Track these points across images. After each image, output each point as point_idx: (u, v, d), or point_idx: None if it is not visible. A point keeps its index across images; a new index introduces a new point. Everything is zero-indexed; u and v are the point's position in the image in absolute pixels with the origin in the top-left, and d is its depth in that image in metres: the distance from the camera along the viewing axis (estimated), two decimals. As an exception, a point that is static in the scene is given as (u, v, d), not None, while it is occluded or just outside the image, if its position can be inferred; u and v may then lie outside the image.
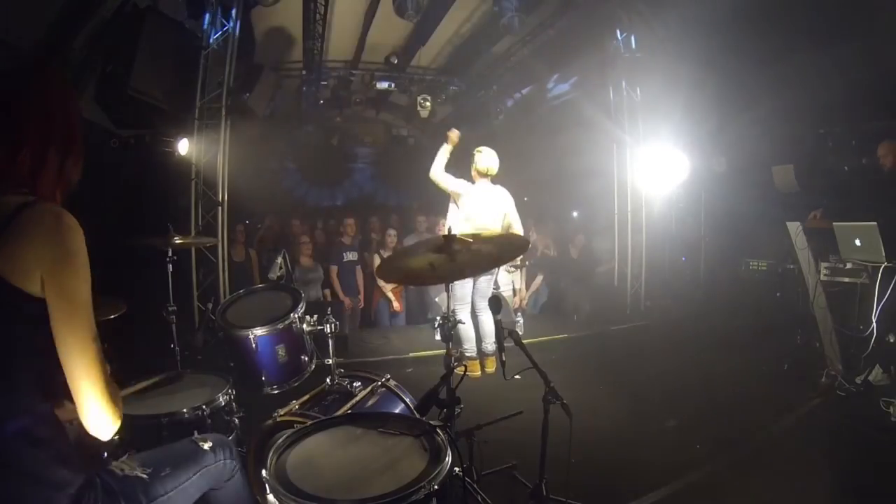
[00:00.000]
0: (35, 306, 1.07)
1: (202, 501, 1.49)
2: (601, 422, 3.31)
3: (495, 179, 4.27)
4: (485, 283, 4.24)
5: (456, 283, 4.03)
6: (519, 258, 4.67)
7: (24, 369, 1.09)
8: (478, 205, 4.12)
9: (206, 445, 1.50)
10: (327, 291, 5.76)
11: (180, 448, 1.49)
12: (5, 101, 1.14)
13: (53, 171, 1.17)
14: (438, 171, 4.18)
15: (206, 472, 1.46)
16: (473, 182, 4.22)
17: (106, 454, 1.76)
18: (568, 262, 6.68)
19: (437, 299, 5.75)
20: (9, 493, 1.07)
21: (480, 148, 4.23)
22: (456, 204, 4.21)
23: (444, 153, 4.20)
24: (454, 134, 4.24)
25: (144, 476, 1.29)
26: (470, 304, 4.21)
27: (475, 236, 2.03)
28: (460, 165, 4.30)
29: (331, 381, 2.25)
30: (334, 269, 5.80)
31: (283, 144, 9.28)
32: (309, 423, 1.66)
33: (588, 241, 6.90)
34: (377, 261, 5.87)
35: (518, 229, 4.27)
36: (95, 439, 1.17)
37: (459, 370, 1.95)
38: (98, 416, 1.13)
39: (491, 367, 4.25)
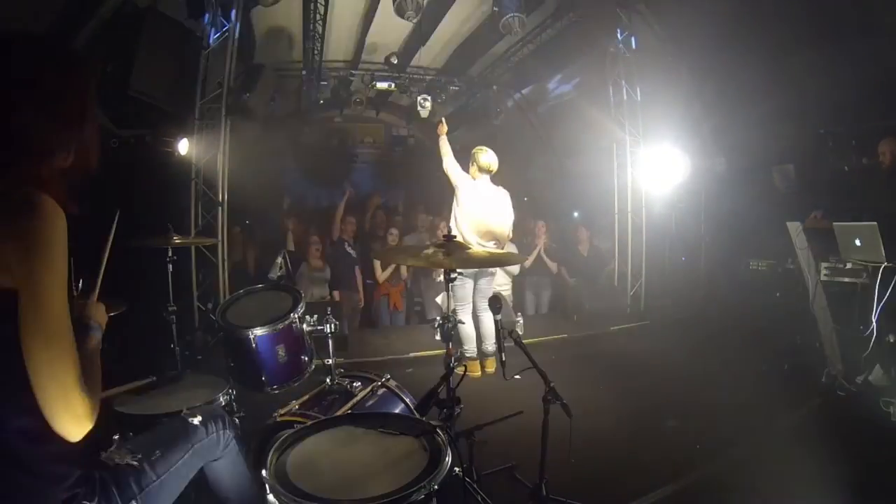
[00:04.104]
0: (13, 300, 1.02)
1: (201, 474, 1.49)
2: (601, 422, 3.30)
3: (496, 180, 4.28)
4: (485, 283, 4.25)
5: (456, 283, 4.05)
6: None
7: (14, 365, 1.05)
8: (480, 202, 4.13)
9: (196, 420, 1.50)
10: (336, 293, 5.77)
11: (170, 427, 1.49)
12: None
13: (33, 148, 1.08)
14: (449, 163, 4.22)
15: (198, 447, 1.46)
16: (473, 179, 4.23)
17: (104, 452, 1.75)
18: (577, 259, 6.67)
19: (437, 299, 5.75)
20: (6, 487, 1.06)
21: (481, 147, 4.25)
22: (456, 198, 4.22)
23: (444, 144, 4.27)
24: (442, 126, 4.39)
25: (135, 463, 1.29)
26: (471, 304, 4.22)
27: (477, 253, 2.05)
28: (461, 164, 4.31)
29: (331, 381, 2.25)
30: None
31: (283, 144, 9.28)
32: (309, 423, 1.66)
33: (591, 239, 6.90)
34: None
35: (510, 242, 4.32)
36: (96, 436, 1.16)
37: (459, 370, 1.95)
38: (59, 417, 1.03)
39: (491, 367, 4.25)
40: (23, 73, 1.09)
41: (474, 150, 4.25)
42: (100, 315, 1.29)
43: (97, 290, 1.31)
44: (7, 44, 1.10)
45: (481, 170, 4.19)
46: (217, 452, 1.54)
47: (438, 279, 5.76)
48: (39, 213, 1.03)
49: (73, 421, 1.04)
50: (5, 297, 1.02)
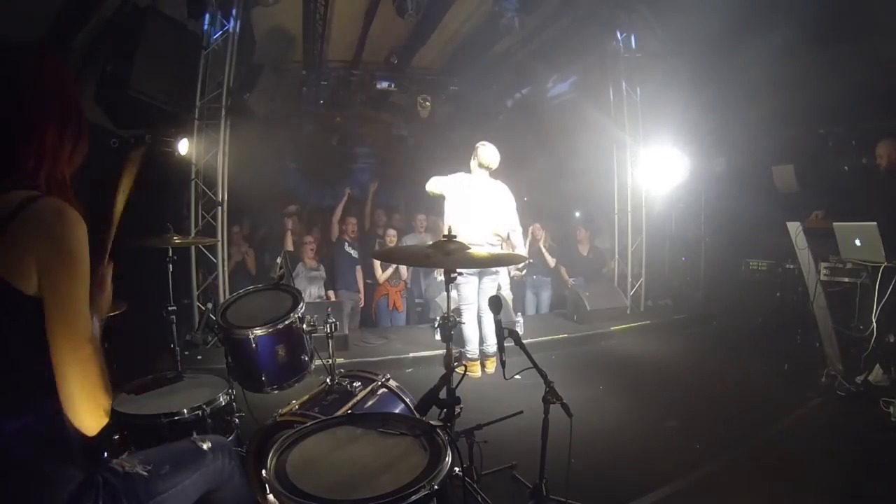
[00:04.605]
0: (33, 304, 1.06)
1: (201, 503, 1.49)
2: (601, 422, 3.31)
3: (495, 176, 4.28)
4: (488, 283, 4.24)
5: (460, 282, 4.06)
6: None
7: (25, 367, 1.08)
8: (478, 198, 4.12)
9: (206, 446, 1.50)
10: (331, 292, 5.77)
11: (180, 447, 1.49)
12: (9, 85, 1.10)
13: (59, 159, 1.15)
14: (430, 184, 4.23)
15: (205, 472, 1.46)
16: (470, 172, 4.24)
17: (106, 454, 1.75)
18: (577, 259, 6.68)
19: (437, 299, 5.75)
20: (10, 489, 1.07)
21: (484, 142, 4.25)
22: (448, 202, 4.21)
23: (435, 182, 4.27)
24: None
25: (145, 473, 1.29)
26: (476, 304, 4.20)
27: (477, 253, 2.05)
28: (460, 164, 4.32)
29: (331, 381, 2.24)
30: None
31: (283, 144, 9.28)
32: (309, 423, 1.66)
33: (591, 239, 6.89)
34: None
35: (516, 231, 4.28)
36: (97, 437, 1.16)
37: (459, 370, 1.95)
38: (83, 414, 1.10)
39: (491, 367, 4.25)
40: (28, 80, 1.13)
41: (477, 144, 4.25)
42: (100, 303, 1.29)
43: (107, 255, 1.31)
44: (9, 54, 1.14)
45: (481, 165, 4.18)
46: (221, 482, 1.55)
47: (439, 279, 5.76)
48: (66, 223, 1.07)
49: (94, 416, 1.11)
50: (22, 303, 1.05)
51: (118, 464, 1.30)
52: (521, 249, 4.39)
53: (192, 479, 1.41)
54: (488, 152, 4.18)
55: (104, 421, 1.14)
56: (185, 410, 2.04)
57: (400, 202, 8.35)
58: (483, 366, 4.28)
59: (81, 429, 1.12)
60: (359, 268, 5.96)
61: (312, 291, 5.56)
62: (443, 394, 1.87)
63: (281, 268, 2.54)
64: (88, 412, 1.10)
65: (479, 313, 4.21)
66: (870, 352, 3.51)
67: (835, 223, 3.74)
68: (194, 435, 1.60)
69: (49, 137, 1.13)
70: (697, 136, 5.92)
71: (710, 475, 2.68)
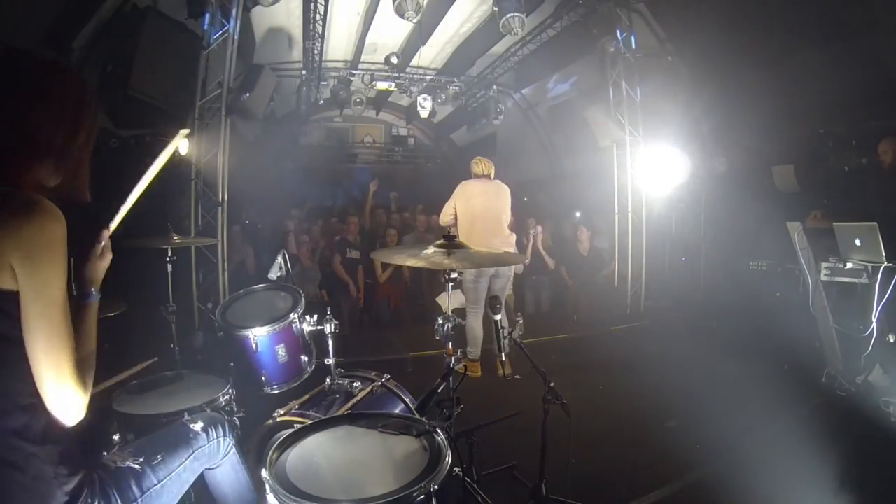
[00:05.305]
0: (12, 300, 1.05)
1: (200, 480, 1.49)
2: (601, 422, 3.30)
3: (495, 177, 4.32)
4: (500, 286, 4.21)
5: (469, 285, 4.07)
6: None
7: (14, 365, 1.07)
8: (476, 195, 4.17)
9: (198, 427, 1.51)
10: (324, 292, 5.76)
11: (172, 433, 1.50)
12: (11, 89, 1.10)
13: (49, 158, 1.14)
14: (442, 216, 4.34)
15: (199, 453, 1.47)
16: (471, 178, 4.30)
17: (105, 454, 1.75)
18: (577, 259, 6.68)
19: (437, 299, 5.74)
20: (6, 489, 1.06)
21: (476, 158, 4.39)
22: (458, 206, 4.24)
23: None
24: None
25: (136, 466, 1.29)
26: (483, 306, 4.16)
27: (478, 253, 2.05)
28: (459, 164, 4.34)
29: (331, 381, 2.24)
30: (337, 258, 5.82)
31: (283, 144, 9.29)
32: (309, 423, 1.66)
33: (591, 239, 6.89)
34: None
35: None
36: (96, 436, 1.16)
37: (459, 370, 1.95)
38: (63, 404, 1.10)
39: (499, 369, 4.23)
40: (30, 81, 1.13)
41: (472, 163, 4.38)
42: (98, 272, 1.29)
43: (112, 225, 1.29)
44: (14, 57, 1.14)
45: (476, 175, 4.30)
46: (217, 459, 1.55)
47: (443, 279, 5.73)
48: (41, 215, 1.06)
49: (69, 408, 1.11)
50: (5, 298, 1.04)
51: (110, 459, 1.30)
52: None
53: (186, 463, 1.42)
54: (482, 164, 4.33)
55: (79, 412, 1.13)
56: (186, 410, 2.04)
57: (408, 202, 8.33)
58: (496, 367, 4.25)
59: (61, 419, 1.11)
60: (360, 268, 5.96)
61: (308, 292, 5.56)
62: (443, 394, 1.87)
63: (281, 267, 2.54)
64: (61, 403, 1.10)
65: (488, 314, 4.19)
66: (870, 352, 3.51)
67: (835, 223, 3.74)
68: (186, 416, 1.60)
69: (51, 142, 1.12)
70: (698, 136, 5.92)
71: (710, 475, 2.68)
